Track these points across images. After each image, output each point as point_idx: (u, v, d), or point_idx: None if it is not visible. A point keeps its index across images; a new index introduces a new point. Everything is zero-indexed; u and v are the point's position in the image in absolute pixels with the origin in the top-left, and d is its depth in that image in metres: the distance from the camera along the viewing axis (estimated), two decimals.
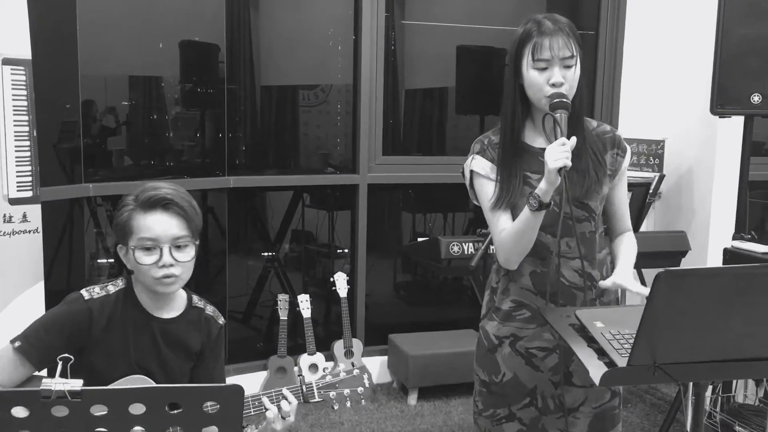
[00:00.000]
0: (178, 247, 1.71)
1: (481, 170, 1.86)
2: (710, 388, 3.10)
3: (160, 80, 3.75)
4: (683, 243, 3.35)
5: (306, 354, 3.73)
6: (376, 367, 4.01)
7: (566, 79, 1.73)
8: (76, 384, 1.16)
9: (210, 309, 1.89)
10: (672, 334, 1.34)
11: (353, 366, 1.86)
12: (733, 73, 2.95)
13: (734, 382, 3.11)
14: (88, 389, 1.16)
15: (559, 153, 1.63)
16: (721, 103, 2.99)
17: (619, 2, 4.18)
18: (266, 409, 1.72)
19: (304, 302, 3.76)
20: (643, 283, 3.59)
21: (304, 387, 1.78)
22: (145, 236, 1.69)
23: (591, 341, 1.50)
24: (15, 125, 2.39)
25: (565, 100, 1.72)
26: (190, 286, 1.87)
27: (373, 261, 4.11)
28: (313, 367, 3.73)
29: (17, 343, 1.67)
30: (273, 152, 4.23)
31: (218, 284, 3.86)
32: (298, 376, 2.05)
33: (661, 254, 3.12)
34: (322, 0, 4.11)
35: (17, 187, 2.40)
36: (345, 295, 3.83)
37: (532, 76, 1.75)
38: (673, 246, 3.27)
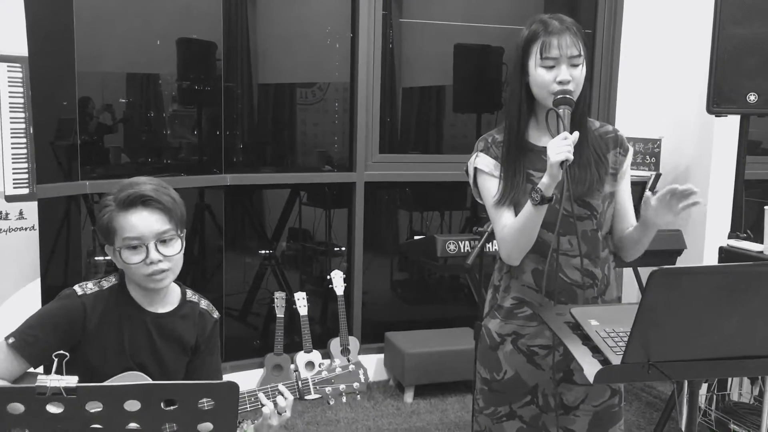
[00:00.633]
0: (164, 241, 1.71)
1: (484, 167, 1.87)
2: (705, 386, 3.11)
3: (157, 78, 3.74)
4: (679, 241, 3.35)
5: (302, 351, 3.73)
6: (373, 364, 4.02)
7: (573, 77, 1.75)
8: (72, 380, 1.16)
9: (204, 303, 1.89)
10: (666, 332, 1.34)
11: (349, 362, 1.87)
12: (729, 73, 2.96)
13: (729, 380, 3.12)
14: (83, 386, 1.16)
15: (561, 146, 1.65)
16: (718, 102, 3.00)
17: (616, 2, 4.19)
18: (262, 405, 1.72)
19: (301, 300, 3.76)
20: (639, 283, 3.60)
21: (299, 383, 1.78)
22: (129, 235, 1.69)
23: (586, 339, 1.50)
24: (11, 122, 2.39)
25: (568, 96, 1.73)
26: (187, 283, 1.87)
27: (369, 259, 4.11)
28: (310, 365, 3.74)
29: (11, 340, 1.67)
30: (270, 150, 4.23)
31: (215, 282, 3.86)
32: (294, 371, 2.04)
33: (657, 253, 3.12)
34: None
35: (14, 184, 2.40)
36: (342, 293, 3.83)
37: (539, 74, 1.76)
38: (668, 244, 3.27)
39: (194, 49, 3.74)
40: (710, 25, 3.00)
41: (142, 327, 1.76)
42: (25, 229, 2.45)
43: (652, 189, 3.86)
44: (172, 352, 1.79)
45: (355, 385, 1.83)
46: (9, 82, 2.37)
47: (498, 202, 1.83)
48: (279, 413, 1.72)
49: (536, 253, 1.82)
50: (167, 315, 1.80)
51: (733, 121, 3.24)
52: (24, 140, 2.42)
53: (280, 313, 3.71)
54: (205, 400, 1.23)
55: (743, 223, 3.12)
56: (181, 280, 1.84)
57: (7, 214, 2.38)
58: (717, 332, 1.36)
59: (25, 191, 2.45)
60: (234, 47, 3.85)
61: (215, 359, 1.90)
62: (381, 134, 4.01)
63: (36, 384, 1.15)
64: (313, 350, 3.75)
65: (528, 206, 1.73)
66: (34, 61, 2.48)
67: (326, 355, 3.82)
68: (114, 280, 1.78)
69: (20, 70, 2.40)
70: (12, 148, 2.39)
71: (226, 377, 2.73)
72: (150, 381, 1.70)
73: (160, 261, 1.69)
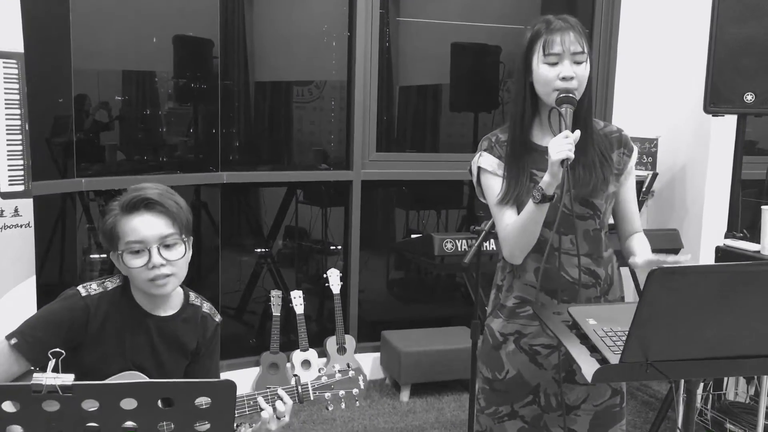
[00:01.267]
0: (167, 246, 1.69)
1: (488, 167, 1.88)
2: (701, 385, 3.11)
3: (153, 75, 3.73)
4: (676, 241, 3.36)
5: (299, 350, 3.73)
6: (369, 363, 4.01)
7: (576, 74, 1.76)
8: (68, 378, 1.15)
9: (206, 307, 1.88)
10: (664, 332, 1.34)
11: (348, 365, 1.87)
12: (727, 73, 2.96)
13: (725, 379, 3.13)
14: (80, 384, 1.16)
15: (562, 145, 1.65)
16: (715, 102, 3.00)
17: (613, 1, 4.19)
18: (261, 409, 1.71)
19: (298, 298, 3.76)
20: (635, 282, 3.60)
21: (299, 387, 1.77)
22: (132, 239, 1.67)
23: (584, 338, 1.50)
24: (7, 119, 2.37)
25: (571, 95, 1.74)
26: (183, 281, 1.86)
27: (366, 257, 4.11)
28: (306, 364, 3.73)
29: (13, 340, 1.65)
30: (267, 148, 4.22)
31: (211, 280, 3.85)
32: (294, 375, 2.03)
33: (654, 252, 3.13)
34: None
35: (9, 181, 2.39)
36: (338, 292, 3.82)
37: (542, 70, 1.77)
38: (665, 244, 3.28)
39: (191, 46, 3.74)
40: (707, 25, 3.00)
41: (144, 330, 1.75)
42: (21, 226, 2.43)
43: (649, 188, 3.86)
44: (172, 355, 1.79)
45: (354, 391, 1.83)
46: (5, 78, 2.36)
47: (501, 201, 1.84)
48: (278, 418, 1.72)
49: (538, 252, 1.82)
50: (169, 318, 1.79)
51: (729, 121, 3.25)
52: (19, 137, 2.41)
53: (276, 312, 3.71)
54: (202, 398, 1.22)
55: (740, 222, 3.12)
56: None
57: (2, 211, 2.37)
58: (714, 332, 1.36)
59: (21, 188, 2.43)
60: (231, 45, 3.84)
61: (214, 362, 1.89)
62: (377, 133, 4.00)
63: (32, 382, 1.14)
64: (310, 349, 3.74)
65: (530, 205, 1.73)
66: (30, 57, 2.47)
67: (322, 353, 3.82)
68: (118, 281, 1.77)
69: (16, 66, 2.39)
70: (7, 144, 2.37)
71: (222, 376, 2.73)
72: (147, 380, 1.70)
73: (162, 265, 1.67)
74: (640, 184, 3.66)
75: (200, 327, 1.83)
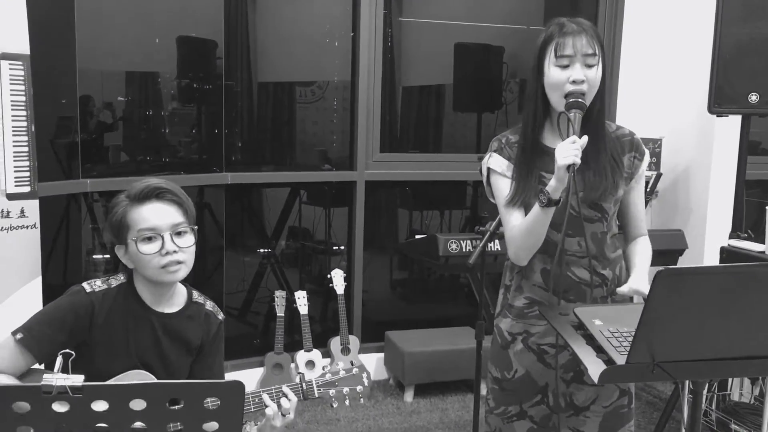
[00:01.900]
0: (179, 233, 1.72)
1: (497, 168, 1.89)
2: (706, 386, 3.11)
3: (157, 76, 3.74)
4: (680, 241, 3.36)
5: (303, 351, 3.73)
6: (373, 363, 4.02)
7: (587, 78, 1.75)
8: (78, 379, 1.16)
9: (210, 305, 1.89)
10: (670, 333, 1.34)
11: (352, 364, 1.87)
12: (731, 73, 2.96)
13: (730, 380, 3.13)
14: (89, 385, 1.16)
15: (568, 150, 1.65)
16: (719, 103, 3.00)
17: (617, 1, 4.19)
18: (266, 406, 1.72)
19: (301, 299, 3.76)
20: None
21: (303, 385, 1.78)
22: (145, 227, 1.70)
23: (590, 339, 1.50)
24: (13, 120, 2.38)
25: (580, 100, 1.74)
26: (188, 281, 1.87)
27: (369, 258, 4.11)
28: (310, 364, 3.74)
29: (19, 335, 1.67)
30: (270, 149, 4.23)
31: (215, 280, 3.85)
32: (298, 373, 2.04)
33: (658, 253, 3.13)
34: None
35: (15, 182, 2.40)
36: (342, 292, 3.83)
37: (553, 73, 1.77)
38: (670, 244, 3.27)
39: (195, 47, 3.74)
40: (712, 25, 3.00)
41: (149, 326, 1.76)
42: (27, 227, 2.44)
43: (653, 189, 3.86)
44: (177, 352, 1.80)
45: (359, 388, 1.83)
46: (11, 79, 2.36)
47: (509, 202, 1.85)
48: (283, 415, 1.72)
49: (544, 253, 1.83)
50: (174, 315, 1.80)
51: (733, 121, 3.25)
52: (26, 138, 2.42)
53: (280, 312, 3.71)
54: (210, 399, 1.23)
55: (744, 223, 3.12)
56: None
57: (8, 212, 2.37)
58: (720, 332, 1.36)
59: (27, 189, 2.44)
60: (234, 46, 3.84)
61: (219, 360, 1.90)
62: (381, 133, 4.01)
63: (42, 383, 1.15)
64: (314, 349, 3.75)
65: (536, 208, 1.74)
66: (36, 58, 2.48)
67: (326, 354, 3.82)
68: (122, 278, 1.78)
69: (22, 67, 2.40)
70: (14, 146, 2.38)
71: (227, 376, 2.73)
72: (155, 380, 1.70)
73: (175, 252, 1.70)
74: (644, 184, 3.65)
75: (204, 324, 1.85)
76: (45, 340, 1.67)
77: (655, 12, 4.11)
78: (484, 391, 3.33)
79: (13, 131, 2.38)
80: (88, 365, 1.64)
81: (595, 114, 1.81)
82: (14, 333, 1.67)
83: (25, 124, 2.41)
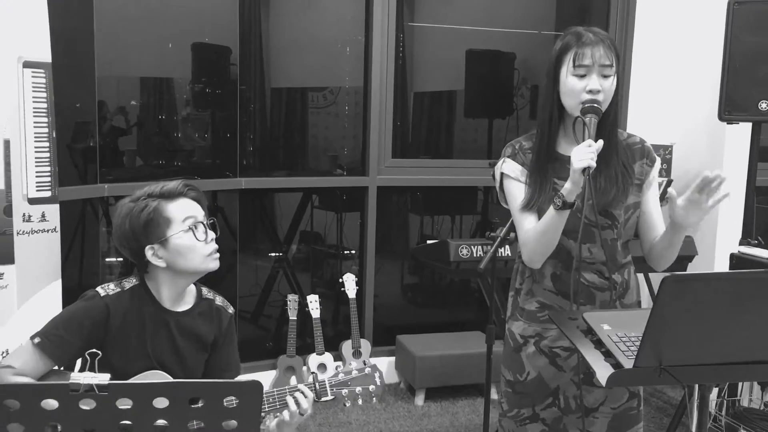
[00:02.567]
0: (210, 225, 1.82)
1: (511, 173, 1.92)
2: (715, 391, 3.12)
3: (171, 81, 3.79)
4: (690, 248, 3.37)
5: (315, 354, 3.76)
6: (384, 367, 4.04)
7: (603, 88, 1.79)
8: (104, 378, 1.20)
9: (219, 299, 1.95)
10: (678, 337, 1.37)
11: (365, 364, 1.89)
12: (741, 81, 2.97)
13: (740, 385, 3.13)
14: (115, 383, 1.21)
15: (584, 153, 1.68)
16: (729, 110, 3.01)
17: (628, 8, 4.21)
18: (286, 405, 1.75)
19: (314, 302, 3.80)
20: (650, 289, 3.61)
21: (317, 384, 1.81)
22: (189, 215, 1.78)
23: (598, 344, 1.53)
24: (35, 126, 2.43)
25: (596, 105, 1.77)
26: (202, 283, 1.93)
27: (380, 262, 4.14)
28: (322, 367, 3.77)
29: (37, 339, 1.72)
30: (282, 154, 4.27)
31: (228, 283, 3.90)
32: (311, 373, 2.06)
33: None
34: (333, 3, 4.15)
35: (36, 187, 2.45)
36: (354, 296, 3.86)
37: (570, 82, 1.80)
38: (679, 251, 3.28)
39: (209, 53, 3.79)
40: (722, 33, 3.02)
41: (164, 326, 1.81)
42: (47, 231, 2.49)
43: (663, 195, 3.87)
44: (192, 349, 1.84)
45: (371, 387, 1.84)
46: (33, 87, 2.42)
47: (523, 207, 1.88)
48: (301, 414, 1.76)
49: (555, 258, 1.87)
50: (186, 313, 1.85)
51: (744, 128, 3.26)
52: (47, 144, 2.47)
53: (292, 316, 3.75)
54: (229, 398, 1.27)
55: (754, 229, 3.13)
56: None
57: (30, 216, 2.42)
58: (728, 338, 1.38)
59: (47, 194, 2.49)
60: (248, 52, 3.89)
61: (233, 350, 1.95)
62: (392, 139, 4.04)
63: (69, 381, 1.19)
64: (326, 352, 3.78)
65: (550, 211, 1.77)
66: (56, 66, 2.53)
67: (338, 357, 3.86)
68: (135, 280, 1.83)
69: (44, 75, 2.45)
70: (36, 151, 2.44)
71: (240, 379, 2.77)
72: (172, 379, 1.75)
73: (212, 240, 1.80)
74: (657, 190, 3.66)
75: (215, 319, 1.90)
76: (62, 344, 1.72)
77: (666, 19, 4.12)
78: (494, 395, 3.36)
79: (36, 137, 2.43)
80: (106, 367, 1.68)
81: (609, 123, 1.84)
82: (33, 337, 1.73)
83: (46, 130, 2.47)
